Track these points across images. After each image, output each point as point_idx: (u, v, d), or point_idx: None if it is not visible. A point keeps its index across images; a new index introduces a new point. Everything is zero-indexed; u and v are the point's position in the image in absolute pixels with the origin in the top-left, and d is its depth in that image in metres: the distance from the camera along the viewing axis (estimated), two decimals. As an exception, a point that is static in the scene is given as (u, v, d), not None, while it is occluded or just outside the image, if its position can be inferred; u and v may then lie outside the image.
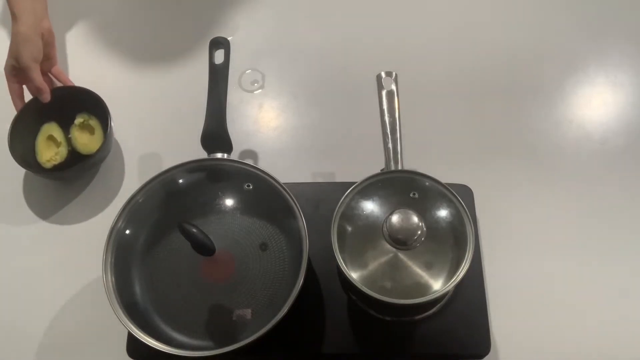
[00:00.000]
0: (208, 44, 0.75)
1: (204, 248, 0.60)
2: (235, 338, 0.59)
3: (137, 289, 0.64)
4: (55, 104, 0.84)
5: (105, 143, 0.81)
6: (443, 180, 0.63)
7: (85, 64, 0.94)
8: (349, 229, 0.63)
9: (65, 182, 0.85)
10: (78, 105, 0.85)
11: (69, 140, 0.85)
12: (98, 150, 0.81)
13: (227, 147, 0.71)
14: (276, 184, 0.66)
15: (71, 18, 0.98)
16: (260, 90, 0.91)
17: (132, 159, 0.86)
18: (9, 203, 0.84)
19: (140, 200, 0.66)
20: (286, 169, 0.82)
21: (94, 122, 0.85)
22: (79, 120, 0.85)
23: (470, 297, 0.68)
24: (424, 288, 0.60)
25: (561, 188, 0.81)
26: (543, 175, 0.82)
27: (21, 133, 0.82)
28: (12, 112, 0.82)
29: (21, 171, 0.83)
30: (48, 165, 0.83)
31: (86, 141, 0.84)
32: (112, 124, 0.82)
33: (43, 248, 0.81)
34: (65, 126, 0.86)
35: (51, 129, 0.85)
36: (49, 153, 0.83)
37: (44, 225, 0.82)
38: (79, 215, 0.82)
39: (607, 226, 0.78)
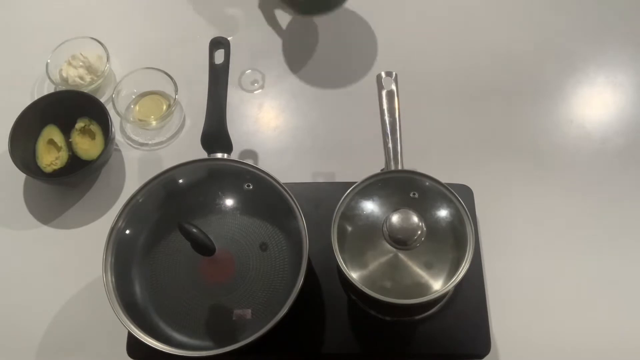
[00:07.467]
0: (208, 44, 0.75)
1: (204, 248, 0.60)
2: (235, 338, 0.59)
3: (137, 289, 0.64)
4: (56, 107, 0.84)
5: (106, 150, 0.81)
6: (443, 180, 0.63)
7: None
8: (349, 229, 0.63)
9: (66, 187, 0.84)
10: (79, 109, 0.84)
11: (69, 145, 0.85)
12: (99, 157, 0.81)
13: (227, 147, 0.71)
14: (276, 184, 0.65)
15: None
16: (260, 90, 0.91)
17: (132, 161, 0.86)
18: (9, 207, 0.84)
19: (140, 200, 0.66)
20: (286, 169, 0.83)
21: (94, 127, 0.84)
22: (79, 124, 0.84)
23: (470, 297, 0.68)
24: (424, 288, 0.60)
25: (561, 188, 0.81)
26: (543, 175, 0.82)
27: (22, 136, 0.82)
28: (13, 115, 0.82)
29: (21, 175, 0.82)
30: (48, 169, 0.82)
31: (87, 147, 0.84)
32: (114, 129, 0.82)
33: (44, 251, 0.81)
34: (66, 130, 0.85)
35: (52, 132, 0.84)
36: (50, 157, 0.83)
37: (45, 229, 0.82)
38: (80, 219, 0.82)
39: (608, 226, 0.78)
